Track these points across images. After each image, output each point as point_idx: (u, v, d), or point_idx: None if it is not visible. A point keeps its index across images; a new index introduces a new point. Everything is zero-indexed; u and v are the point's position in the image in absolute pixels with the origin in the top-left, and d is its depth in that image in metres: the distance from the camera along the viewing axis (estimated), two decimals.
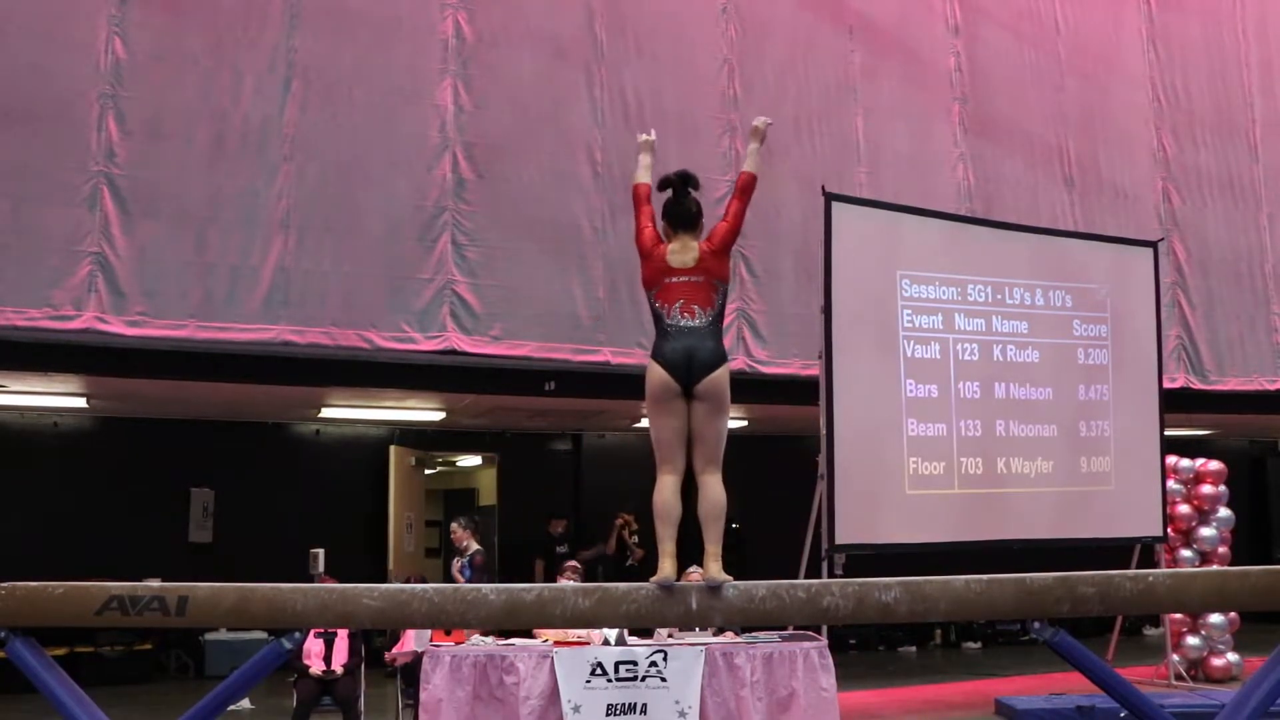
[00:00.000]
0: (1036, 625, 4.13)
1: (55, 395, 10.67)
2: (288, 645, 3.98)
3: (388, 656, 8.25)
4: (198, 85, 9.37)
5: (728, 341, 11.00)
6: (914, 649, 14.01)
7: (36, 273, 8.73)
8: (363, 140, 9.81)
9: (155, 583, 4.07)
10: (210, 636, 11.38)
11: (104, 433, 11.91)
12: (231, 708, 5.67)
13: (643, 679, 6.64)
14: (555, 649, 6.74)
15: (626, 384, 10.72)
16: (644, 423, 12.99)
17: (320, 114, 9.70)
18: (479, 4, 10.37)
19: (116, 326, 8.87)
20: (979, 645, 14.12)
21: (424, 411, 12.13)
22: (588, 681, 6.60)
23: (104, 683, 10.13)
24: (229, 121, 9.42)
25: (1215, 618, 10.41)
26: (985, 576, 4.10)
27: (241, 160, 9.42)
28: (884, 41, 12.04)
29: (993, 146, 12.34)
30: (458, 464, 16.16)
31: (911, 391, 8.92)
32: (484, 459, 14.76)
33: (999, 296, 9.48)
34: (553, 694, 6.59)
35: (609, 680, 6.62)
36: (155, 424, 11.92)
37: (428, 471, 14.76)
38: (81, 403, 11.04)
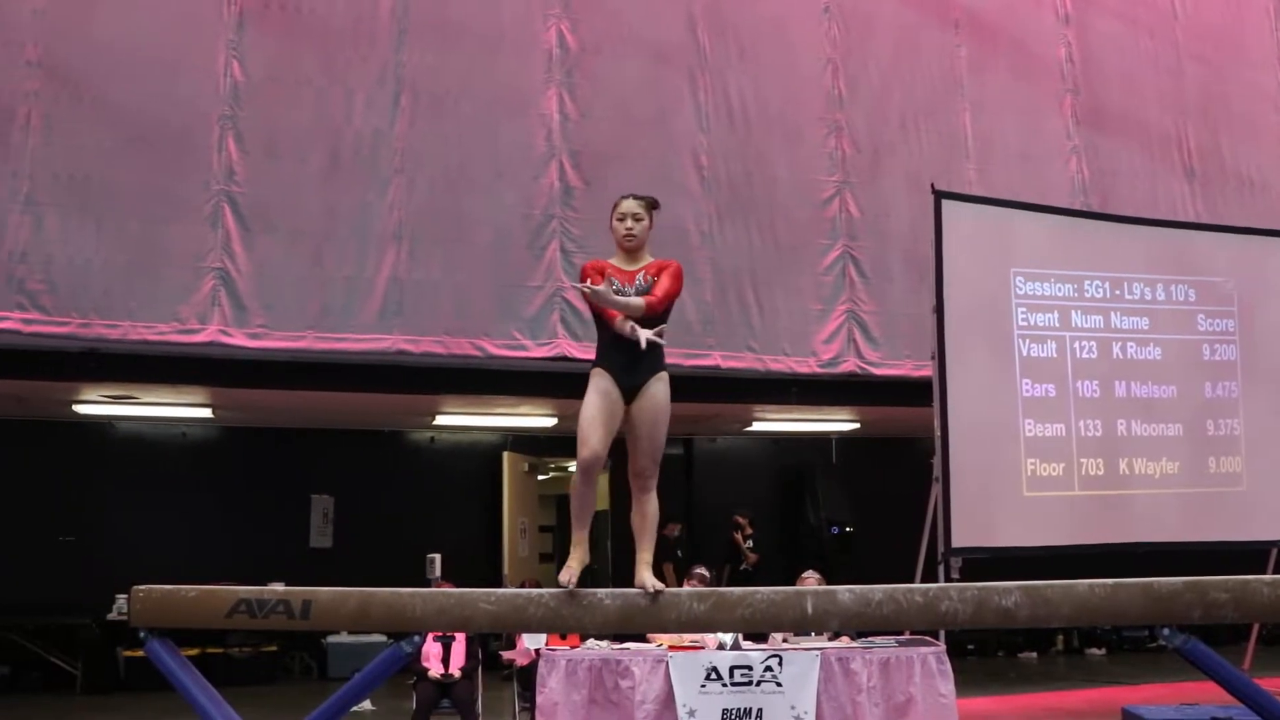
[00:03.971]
0: (1166, 631, 4.00)
1: (183, 406, 11.07)
2: (407, 649, 4.04)
3: (505, 656, 8.35)
4: (311, 103, 9.64)
5: (838, 343, 10.98)
6: (1035, 655, 13.65)
7: (164, 289, 9.07)
8: (470, 151, 9.96)
9: (279, 586, 4.18)
10: (332, 639, 11.61)
11: (229, 442, 12.30)
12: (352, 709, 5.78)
13: (758, 684, 6.60)
14: (670, 653, 6.74)
15: (738, 387, 10.68)
16: (755, 426, 12.87)
17: (428, 126, 9.88)
18: (581, 13, 10.46)
19: (239, 339, 9.16)
20: (1103, 652, 13.70)
21: (536, 418, 12.23)
22: (703, 686, 6.58)
23: (232, 683, 10.42)
24: (341, 137, 9.67)
25: None
26: (1110, 580, 3.98)
27: (354, 175, 9.65)
28: (991, 34, 11.79)
29: (1107, 138, 11.98)
30: (570, 470, 16.25)
31: (1028, 391, 8.73)
32: None
33: (1117, 292, 9.22)
34: (668, 698, 6.58)
35: (724, 685, 6.59)
36: (276, 433, 12.27)
37: (540, 477, 14.88)
38: (207, 413, 11.44)
